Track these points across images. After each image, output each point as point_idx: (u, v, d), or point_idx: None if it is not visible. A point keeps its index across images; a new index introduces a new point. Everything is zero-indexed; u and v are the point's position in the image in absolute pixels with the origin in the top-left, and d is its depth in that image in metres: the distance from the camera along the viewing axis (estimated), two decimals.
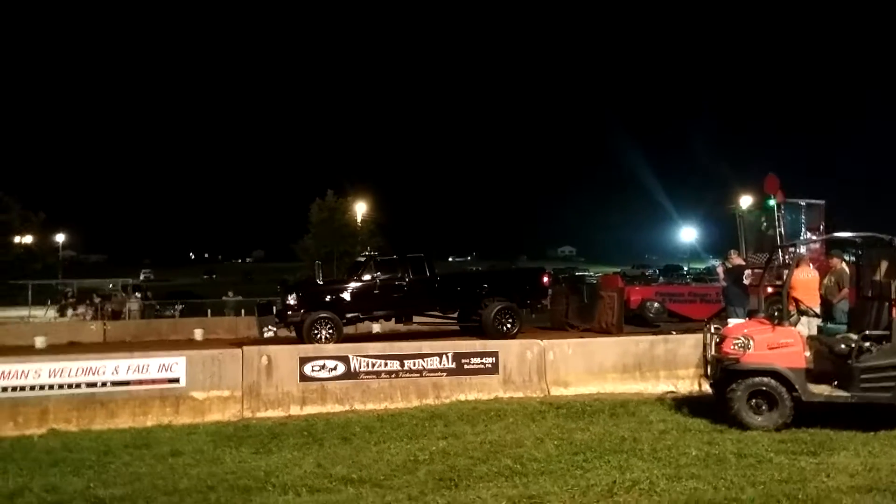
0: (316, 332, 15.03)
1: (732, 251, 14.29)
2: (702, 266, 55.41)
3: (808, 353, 7.79)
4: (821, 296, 10.78)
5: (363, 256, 18.37)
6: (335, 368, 9.35)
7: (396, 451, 6.79)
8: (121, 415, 8.50)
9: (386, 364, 9.53)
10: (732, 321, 11.45)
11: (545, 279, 18.04)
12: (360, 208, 43.33)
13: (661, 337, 11.21)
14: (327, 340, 14.67)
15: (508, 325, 16.04)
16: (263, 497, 5.54)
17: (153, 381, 8.78)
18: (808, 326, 9.26)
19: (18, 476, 6.19)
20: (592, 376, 10.20)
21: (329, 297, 15.96)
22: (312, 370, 9.28)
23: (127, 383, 8.71)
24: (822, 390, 7.37)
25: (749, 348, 7.51)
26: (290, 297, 15.65)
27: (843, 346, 7.43)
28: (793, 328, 7.77)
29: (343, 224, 43.33)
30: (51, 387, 8.48)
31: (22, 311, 28.71)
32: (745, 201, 18.20)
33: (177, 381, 8.85)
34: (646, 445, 6.70)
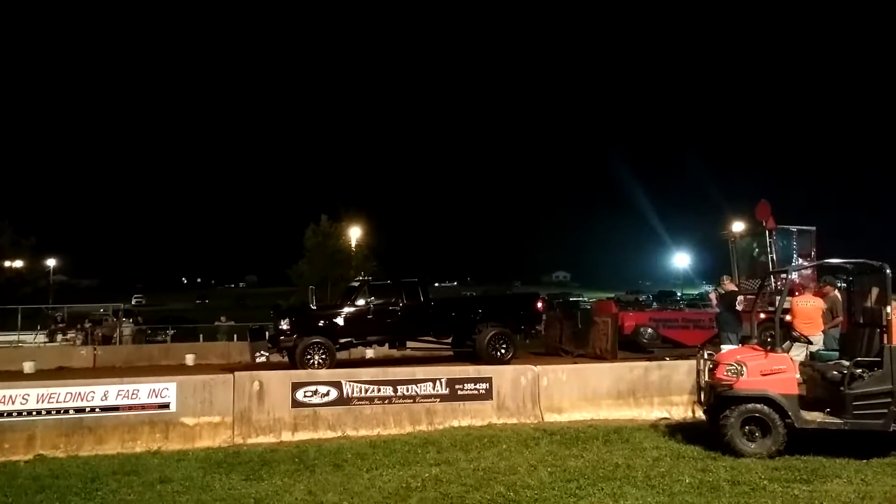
0: (309, 357, 14.94)
1: (725, 277, 14.37)
2: (695, 292, 55.58)
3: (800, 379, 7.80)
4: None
5: (357, 281, 18.31)
6: (328, 394, 9.28)
7: (389, 478, 6.72)
8: (109, 441, 8.39)
9: (379, 390, 9.47)
10: (726, 347, 11.48)
11: (539, 304, 18.01)
12: (355, 233, 43.42)
13: (655, 363, 11.19)
14: (320, 366, 14.57)
15: (502, 351, 15.99)
16: None
17: (143, 407, 8.69)
18: (800, 353, 9.27)
19: (4, 503, 6.10)
20: (587, 402, 10.16)
21: (322, 322, 15.89)
22: (305, 396, 9.21)
23: (116, 409, 8.62)
24: (814, 417, 7.37)
25: (742, 374, 7.52)
26: (282, 322, 15.57)
27: (835, 372, 7.45)
28: (785, 354, 7.78)
29: (337, 249, 43.38)
30: (38, 412, 8.37)
31: (11, 336, 28.40)
32: (738, 227, 18.31)
33: (167, 406, 8.77)
34: (640, 472, 6.67)
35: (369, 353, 19.64)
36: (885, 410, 7.11)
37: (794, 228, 15.38)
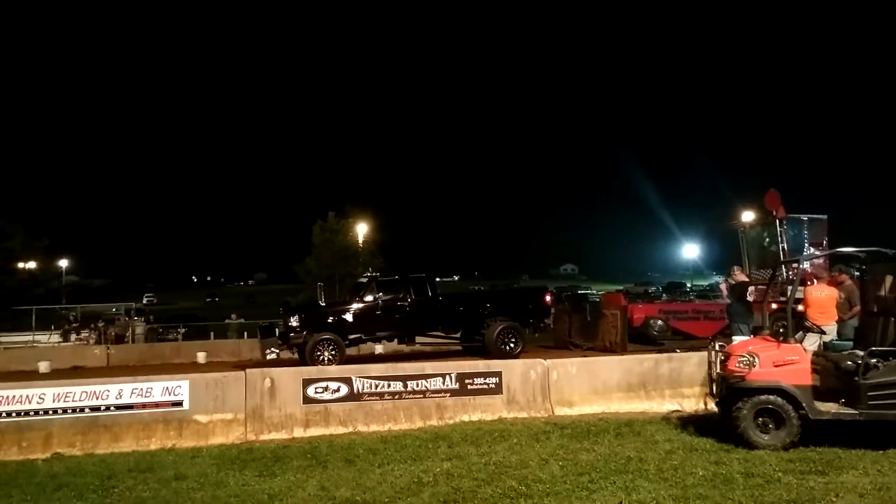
0: (319, 353, 15.00)
1: (735, 267, 14.29)
2: (705, 283, 55.38)
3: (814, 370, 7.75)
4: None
5: (365, 277, 18.36)
6: (338, 390, 9.32)
7: (400, 473, 6.74)
8: (125, 438, 8.47)
9: (389, 385, 9.50)
10: (737, 338, 11.42)
11: (548, 298, 17.99)
12: (362, 229, 43.40)
13: (665, 355, 11.15)
14: (330, 362, 14.63)
15: (511, 345, 16.00)
16: None
17: (157, 405, 8.76)
18: (813, 343, 9.21)
19: (23, 501, 6.19)
20: (597, 396, 10.14)
21: (331, 318, 15.94)
22: (315, 392, 9.25)
23: (131, 407, 8.69)
24: (829, 408, 7.31)
25: (754, 366, 7.47)
26: (292, 319, 15.64)
27: (849, 362, 7.39)
28: (798, 345, 7.73)
29: (345, 245, 43.35)
30: (55, 411, 8.47)
31: (26, 336, 28.68)
32: (747, 217, 18.20)
33: (180, 404, 8.83)
34: (652, 466, 6.65)
35: (378, 348, 19.68)
36: None
37: (805, 217, 15.27)
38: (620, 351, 15.61)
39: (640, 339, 17.09)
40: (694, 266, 66.97)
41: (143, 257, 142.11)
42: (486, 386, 9.79)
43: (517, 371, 10.07)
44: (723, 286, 14.59)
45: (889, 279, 7.68)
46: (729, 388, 7.66)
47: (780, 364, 7.43)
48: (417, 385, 9.58)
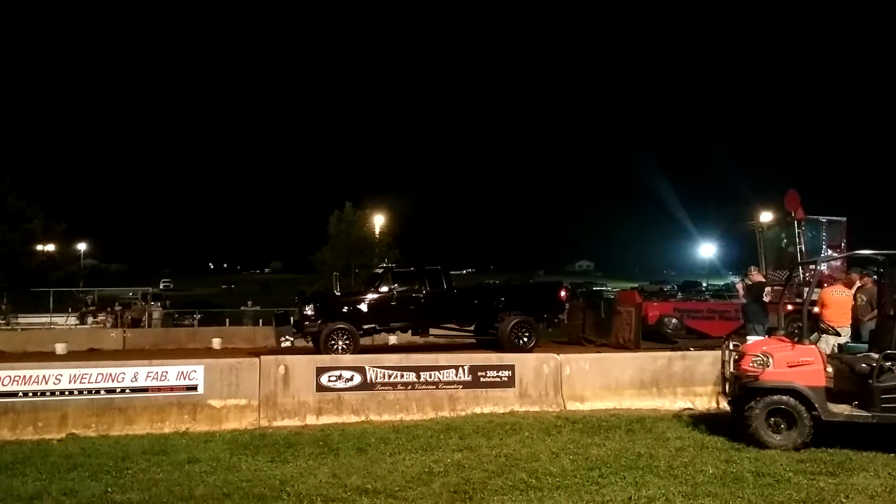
0: (333, 342, 15.07)
1: (752, 268, 14.14)
2: (721, 282, 54.91)
3: (829, 371, 7.69)
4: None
5: (380, 268, 18.39)
6: (351, 379, 9.38)
7: (411, 462, 6.79)
8: (139, 421, 8.59)
9: (402, 376, 9.55)
10: (751, 338, 11.33)
11: (563, 293, 17.93)
12: (378, 220, 43.52)
13: (678, 353, 11.11)
14: (344, 351, 14.69)
15: (525, 339, 15.98)
16: None
17: (171, 389, 8.87)
18: (828, 345, 9.13)
19: (38, 480, 6.29)
20: (609, 392, 10.14)
21: (346, 308, 16.00)
22: (329, 380, 9.32)
23: (145, 390, 8.80)
24: (842, 410, 7.27)
25: (768, 366, 7.44)
26: (307, 308, 15.71)
27: (863, 365, 7.33)
28: (813, 346, 7.68)
29: (361, 236, 43.49)
30: (70, 392, 8.60)
31: (43, 318, 29.12)
32: (765, 217, 18.02)
33: (195, 388, 8.93)
34: (662, 462, 6.65)
35: (392, 339, 19.75)
36: None
37: (823, 219, 15.09)
38: (634, 348, 15.55)
39: (653, 338, 17.01)
40: (711, 265, 66.46)
41: (160, 243, 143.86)
42: (498, 379, 9.82)
43: (530, 365, 10.09)
44: (739, 286, 14.45)
45: None
46: (742, 388, 7.64)
47: (794, 365, 7.39)
48: (430, 376, 9.62)
